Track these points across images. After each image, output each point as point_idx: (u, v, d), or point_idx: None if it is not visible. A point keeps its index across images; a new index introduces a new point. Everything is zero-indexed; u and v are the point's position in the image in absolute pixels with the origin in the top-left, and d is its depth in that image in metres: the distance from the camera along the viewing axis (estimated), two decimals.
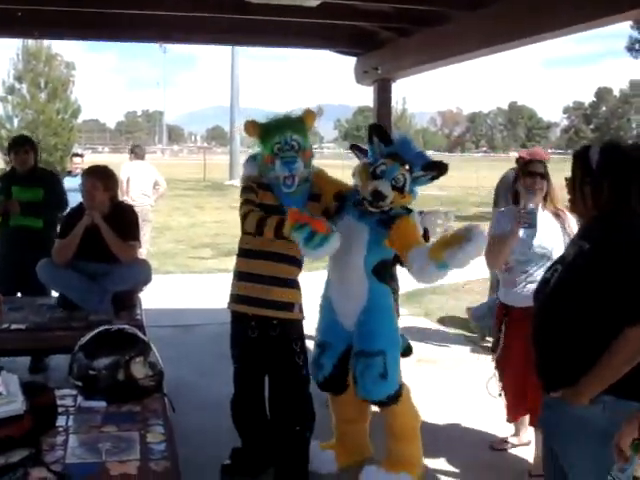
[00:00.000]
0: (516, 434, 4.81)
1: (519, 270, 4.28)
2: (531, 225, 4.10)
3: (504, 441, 4.83)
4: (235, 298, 4.11)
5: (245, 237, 4.07)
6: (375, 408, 4.33)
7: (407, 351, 4.38)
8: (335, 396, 4.38)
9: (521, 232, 4.15)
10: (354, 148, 4.31)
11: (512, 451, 4.78)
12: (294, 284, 4.08)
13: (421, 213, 4.29)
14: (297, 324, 4.09)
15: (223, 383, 5.66)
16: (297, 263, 4.07)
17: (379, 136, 4.03)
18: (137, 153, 10.68)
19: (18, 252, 6.04)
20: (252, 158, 4.21)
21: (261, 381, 4.21)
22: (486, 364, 6.63)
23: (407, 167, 3.91)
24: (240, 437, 4.36)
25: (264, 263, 3.98)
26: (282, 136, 3.88)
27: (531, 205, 4.12)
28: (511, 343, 4.30)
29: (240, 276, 4.10)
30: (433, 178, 3.99)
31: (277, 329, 3.98)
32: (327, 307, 4.22)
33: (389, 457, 4.21)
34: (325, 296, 4.24)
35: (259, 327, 4.01)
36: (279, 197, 3.98)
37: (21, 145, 6.33)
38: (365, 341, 4.01)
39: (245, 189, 4.06)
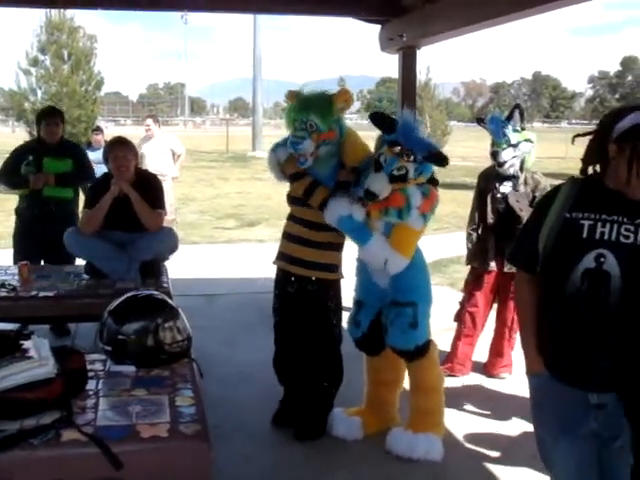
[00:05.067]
0: None
1: None
2: None
3: None
4: (279, 255, 4.34)
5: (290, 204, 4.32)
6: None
7: None
8: (371, 357, 4.42)
9: None
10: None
11: None
12: (335, 247, 4.24)
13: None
14: (335, 284, 4.30)
15: (247, 353, 5.73)
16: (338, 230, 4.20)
17: (380, 125, 4.02)
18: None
19: (48, 223, 6.04)
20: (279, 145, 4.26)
21: (300, 336, 4.33)
22: None
23: (410, 156, 3.86)
24: (284, 390, 4.53)
25: (305, 230, 4.18)
26: (299, 115, 3.96)
27: None
28: None
29: (284, 235, 4.33)
30: (438, 165, 3.98)
31: (315, 285, 4.18)
32: (362, 269, 4.29)
33: (414, 415, 4.22)
34: (359, 259, 4.26)
35: (298, 282, 4.21)
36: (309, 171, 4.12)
37: (52, 116, 6.24)
38: (398, 293, 4.10)
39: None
